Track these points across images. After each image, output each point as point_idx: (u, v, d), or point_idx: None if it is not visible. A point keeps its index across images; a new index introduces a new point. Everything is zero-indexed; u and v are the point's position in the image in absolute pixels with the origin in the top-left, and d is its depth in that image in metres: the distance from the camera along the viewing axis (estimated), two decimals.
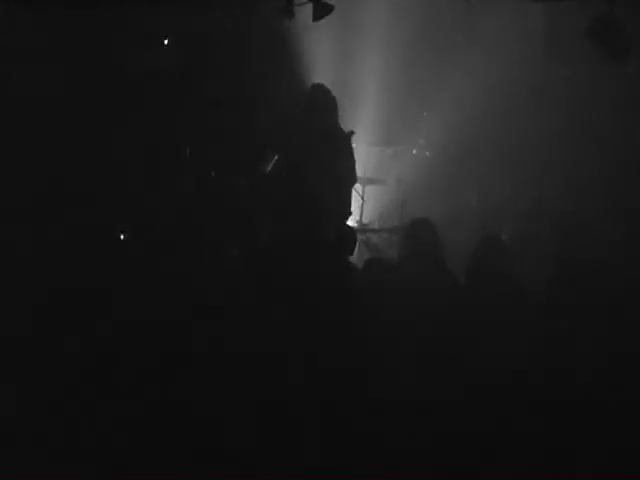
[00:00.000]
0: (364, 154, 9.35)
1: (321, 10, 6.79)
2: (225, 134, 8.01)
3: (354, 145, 7.52)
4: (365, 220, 9.55)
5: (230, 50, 8.22)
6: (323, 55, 9.07)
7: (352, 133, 7.39)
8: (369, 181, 9.63)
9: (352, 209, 7.63)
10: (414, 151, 10.02)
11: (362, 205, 9.50)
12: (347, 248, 6.64)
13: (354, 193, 7.96)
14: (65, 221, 6.88)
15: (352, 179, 7.44)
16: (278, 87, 8.41)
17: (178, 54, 8.16)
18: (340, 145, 7.25)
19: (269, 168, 7.33)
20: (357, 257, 8.71)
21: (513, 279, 5.91)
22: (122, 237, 7.26)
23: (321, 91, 7.28)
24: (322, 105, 7.20)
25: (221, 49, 8.23)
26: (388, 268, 6.23)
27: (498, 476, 4.84)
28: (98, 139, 7.45)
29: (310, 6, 6.75)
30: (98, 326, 5.63)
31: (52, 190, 7.07)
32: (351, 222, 8.84)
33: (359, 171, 8.44)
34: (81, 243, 6.62)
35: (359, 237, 8.84)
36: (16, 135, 7.09)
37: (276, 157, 7.34)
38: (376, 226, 9.54)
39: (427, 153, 9.98)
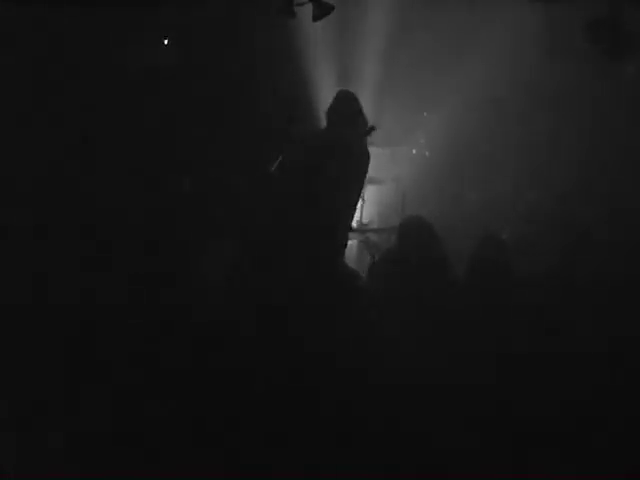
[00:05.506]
0: None
1: (321, 10, 6.78)
2: (226, 131, 8.01)
3: None
4: (365, 220, 9.54)
5: (229, 49, 8.23)
6: (323, 54, 9.07)
7: (372, 129, 6.52)
8: (369, 181, 9.59)
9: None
10: (414, 151, 10.03)
11: (362, 205, 9.49)
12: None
13: None
14: (61, 220, 6.88)
15: (361, 182, 6.69)
16: (277, 85, 8.41)
17: (178, 54, 8.17)
18: (354, 152, 6.48)
19: (273, 167, 7.15)
20: (357, 257, 8.75)
21: (513, 278, 5.92)
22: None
23: (345, 101, 6.61)
24: (345, 120, 6.49)
25: (221, 48, 8.23)
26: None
27: (498, 476, 4.86)
28: (97, 139, 7.45)
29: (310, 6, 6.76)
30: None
31: (48, 190, 7.07)
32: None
33: None
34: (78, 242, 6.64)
35: (359, 237, 8.87)
36: (14, 135, 7.09)
37: (280, 158, 7.10)
38: (376, 226, 9.54)
39: (427, 153, 9.99)
